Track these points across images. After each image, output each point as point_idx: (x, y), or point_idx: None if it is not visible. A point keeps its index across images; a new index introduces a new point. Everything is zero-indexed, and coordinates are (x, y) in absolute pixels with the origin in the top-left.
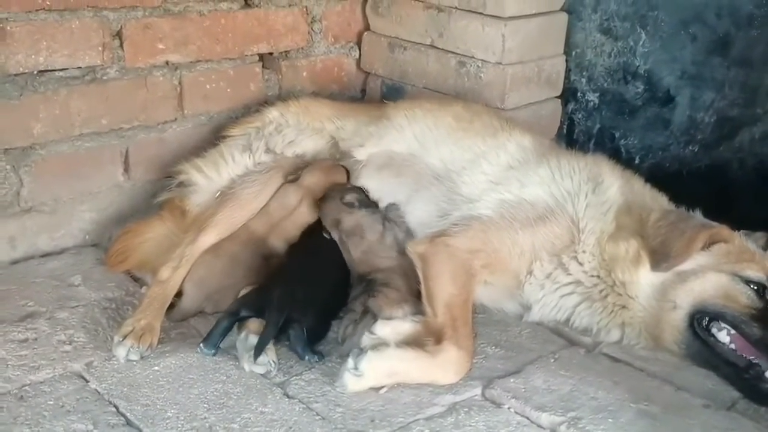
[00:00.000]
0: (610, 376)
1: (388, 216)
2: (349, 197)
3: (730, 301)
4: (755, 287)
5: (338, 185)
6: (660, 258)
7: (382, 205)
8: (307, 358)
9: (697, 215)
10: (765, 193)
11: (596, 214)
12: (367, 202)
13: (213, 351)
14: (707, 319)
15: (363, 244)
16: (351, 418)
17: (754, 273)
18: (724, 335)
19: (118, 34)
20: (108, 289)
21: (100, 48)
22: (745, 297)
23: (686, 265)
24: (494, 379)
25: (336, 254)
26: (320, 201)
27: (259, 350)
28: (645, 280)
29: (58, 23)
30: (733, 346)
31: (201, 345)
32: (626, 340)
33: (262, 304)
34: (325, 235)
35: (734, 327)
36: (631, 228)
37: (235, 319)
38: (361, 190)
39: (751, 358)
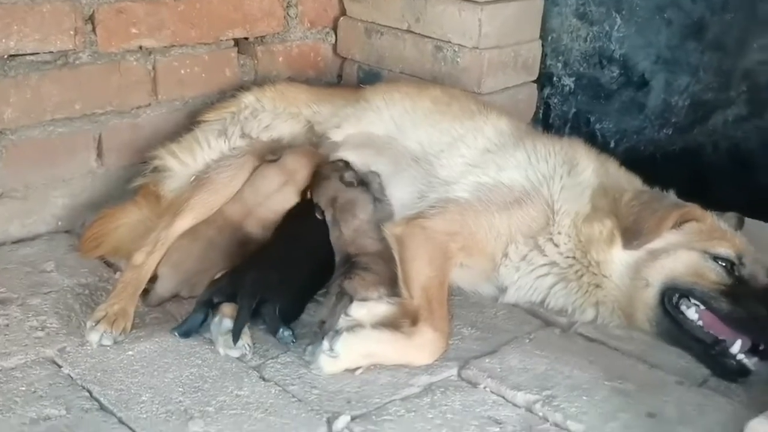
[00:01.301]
0: (585, 355)
1: (372, 189)
2: (349, 176)
3: (699, 277)
4: (724, 264)
5: (332, 165)
6: (631, 236)
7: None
8: (281, 330)
9: (671, 195)
10: (738, 175)
11: (571, 196)
12: (362, 181)
13: (186, 337)
14: (677, 296)
15: (354, 223)
16: (327, 399)
17: (723, 250)
18: (692, 312)
19: (91, 19)
20: (81, 275)
21: (72, 32)
22: (715, 273)
23: (658, 244)
24: (470, 360)
25: (316, 238)
26: (317, 180)
27: (235, 335)
28: (618, 258)
29: (28, 7)
30: (700, 323)
31: (175, 331)
32: (600, 320)
33: (234, 288)
34: (318, 215)
35: (703, 303)
36: (606, 209)
37: (208, 308)
38: (351, 167)
39: (717, 335)
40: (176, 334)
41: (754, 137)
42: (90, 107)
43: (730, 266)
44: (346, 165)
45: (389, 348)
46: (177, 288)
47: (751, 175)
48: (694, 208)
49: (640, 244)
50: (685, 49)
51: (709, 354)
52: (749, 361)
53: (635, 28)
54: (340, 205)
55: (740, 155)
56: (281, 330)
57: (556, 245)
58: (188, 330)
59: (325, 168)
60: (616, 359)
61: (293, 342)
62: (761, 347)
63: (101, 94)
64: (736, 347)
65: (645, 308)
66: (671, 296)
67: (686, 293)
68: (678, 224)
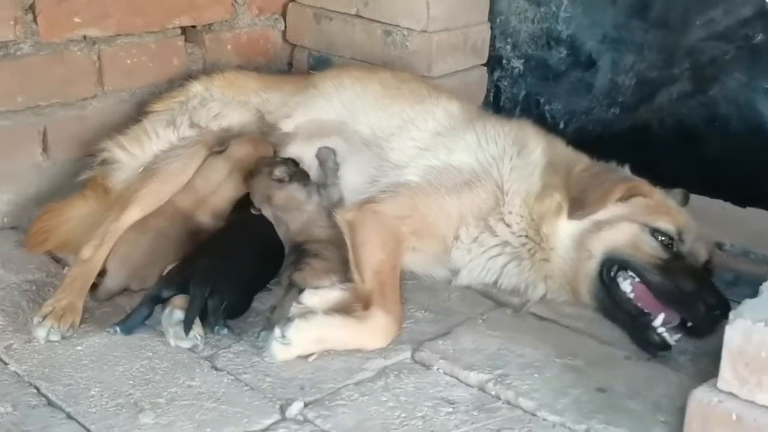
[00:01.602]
0: (536, 334)
1: (324, 168)
2: (279, 172)
3: (636, 249)
4: (663, 238)
5: (266, 159)
6: (577, 206)
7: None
8: (216, 329)
9: (624, 170)
10: (683, 151)
11: (521, 176)
12: (298, 175)
13: (128, 333)
14: (616, 267)
15: (303, 217)
16: (280, 387)
17: (663, 224)
18: (627, 284)
19: (31, 8)
20: (28, 272)
21: (11, 22)
22: (651, 247)
23: (603, 215)
24: (423, 342)
25: (266, 227)
26: (248, 176)
27: (188, 325)
28: (564, 230)
29: None
30: (632, 295)
31: (117, 327)
32: (550, 294)
33: (184, 279)
34: (253, 211)
35: (638, 275)
36: (556, 184)
37: (155, 303)
38: (292, 162)
39: (646, 308)
40: (117, 330)
41: (698, 113)
42: (33, 99)
43: (668, 241)
44: (282, 160)
45: (342, 333)
46: (126, 281)
47: (696, 151)
48: (642, 183)
49: (584, 215)
50: (630, 27)
51: (634, 326)
52: (670, 337)
53: (581, 8)
54: (281, 205)
55: (685, 131)
56: (217, 329)
57: (508, 225)
58: (131, 326)
59: (258, 163)
60: (567, 337)
61: (227, 335)
62: (689, 323)
63: (45, 86)
64: (658, 321)
65: (586, 280)
66: (610, 267)
67: (623, 265)
68: (625, 198)
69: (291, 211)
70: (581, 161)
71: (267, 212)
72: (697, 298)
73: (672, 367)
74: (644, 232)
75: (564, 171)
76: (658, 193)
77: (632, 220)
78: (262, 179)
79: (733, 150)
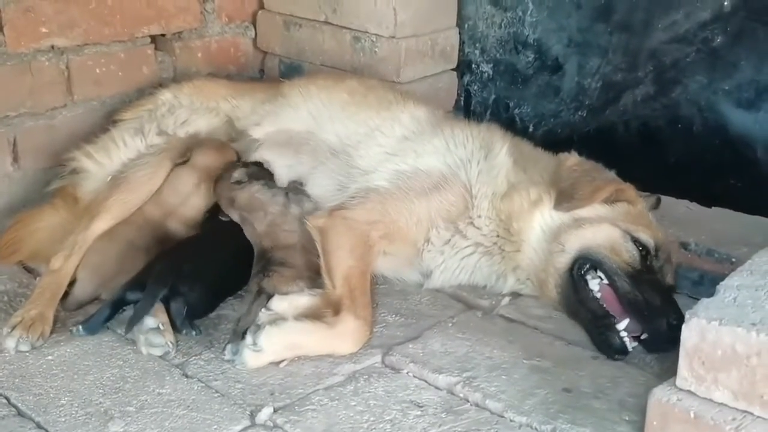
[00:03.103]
0: (505, 336)
1: (293, 190)
2: (237, 174)
3: (613, 253)
4: (642, 249)
5: (229, 164)
6: (564, 198)
7: (284, 182)
8: (184, 332)
9: (612, 173)
10: (647, 153)
11: (487, 179)
12: (259, 175)
13: (91, 333)
14: (587, 266)
15: (267, 218)
16: (250, 393)
17: (644, 236)
18: (595, 284)
19: None
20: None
21: None
22: (629, 254)
23: (586, 213)
24: (394, 346)
25: (238, 233)
26: (214, 183)
27: (132, 323)
28: (539, 223)
29: None
30: (599, 295)
31: (80, 326)
32: (518, 285)
33: (144, 281)
34: (222, 217)
35: (608, 277)
36: (528, 181)
37: (119, 305)
38: (255, 164)
39: (609, 311)
40: (80, 329)
41: (662, 115)
42: (2, 110)
43: (645, 253)
44: (241, 164)
45: (312, 338)
46: (96, 291)
47: (660, 152)
48: (630, 188)
49: (570, 208)
50: (595, 31)
51: (596, 326)
52: (629, 343)
53: (547, 13)
54: (244, 206)
55: (650, 133)
56: (185, 332)
57: (478, 228)
58: (93, 326)
59: (222, 170)
60: (534, 338)
61: (196, 336)
62: (642, 336)
63: (13, 96)
64: (622, 325)
65: (555, 273)
66: (582, 265)
67: (596, 265)
68: (611, 201)
69: (255, 212)
70: (561, 158)
71: (234, 216)
72: (661, 313)
73: (638, 366)
74: (625, 239)
75: (537, 168)
76: (641, 203)
77: (615, 224)
78: (224, 183)
79: (696, 151)
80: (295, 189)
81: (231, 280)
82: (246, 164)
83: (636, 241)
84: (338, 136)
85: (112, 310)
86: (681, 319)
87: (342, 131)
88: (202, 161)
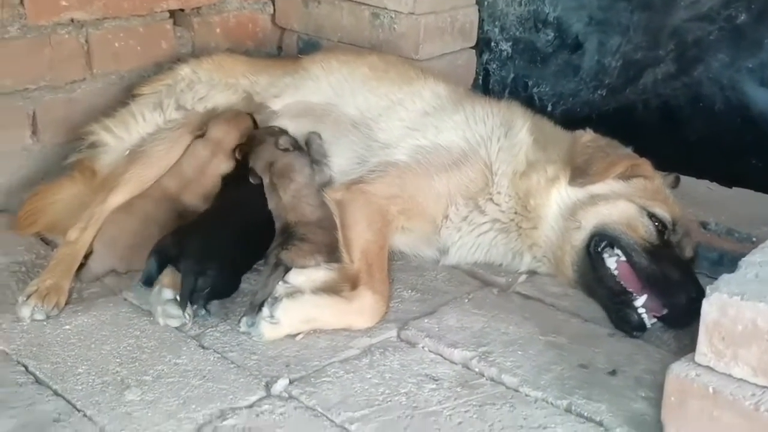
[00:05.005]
0: (521, 312)
1: (312, 150)
2: (284, 141)
3: (630, 229)
4: (658, 225)
5: (266, 129)
6: (579, 174)
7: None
8: (195, 308)
9: (628, 150)
10: (668, 131)
11: (508, 156)
12: (298, 145)
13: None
14: (604, 243)
15: (292, 187)
16: (266, 364)
17: (661, 211)
18: (612, 261)
19: None
20: (18, 253)
21: None
22: (645, 230)
23: (601, 189)
24: (409, 321)
25: (254, 207)
26: (252, 145)
27: (184, 303)
28: (555, 200)
29: None
30: (616, 272)
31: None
32: (534, 264)
33: (178, 253)
34: (252, 179)
35: (625, 254)
36: (546, 159)
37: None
38: (287, 132)
39: (627, 287)
40: (140, 284)
41: (683, 94)
42: (22, 83)
43: (662, 228)
44: (281, 131)
45: (329, 312)
46: (112, 264)
47: (681, 131)
48: (646, 163)
49: (585, 183)
50: (616, 9)
51: (614, 302)
52: (648, 319)
53: None
54: (278, 171)
55: (670, 112)
56: (197, 309)
57: (497, 204)
58: (148, 277)
59: (260, 133)
60: (551, 315)
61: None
62: (663, 312)
63: (33, 69)
64: (640, 301)
65: (572, 250)
66: (599, 242)
67: (613, 241)
68: (627, 177)
69: (283, 179)
70: (576, 135)
71: (265, 180)
72: (680, 287)
73: (655, 343)
74: (641, 214)
75: (556, 146)
76: (658, 179)
77: (631, 199)
78: (267, 147)
79: (717, 130)
80: (317, 161)
81: (250, 256)
82: (284, 131)
83: (652, 216)
84: (359, 109)
85: (158, 262)
86: (701, 293)
87: (363, 104)
88: (215, 134)
